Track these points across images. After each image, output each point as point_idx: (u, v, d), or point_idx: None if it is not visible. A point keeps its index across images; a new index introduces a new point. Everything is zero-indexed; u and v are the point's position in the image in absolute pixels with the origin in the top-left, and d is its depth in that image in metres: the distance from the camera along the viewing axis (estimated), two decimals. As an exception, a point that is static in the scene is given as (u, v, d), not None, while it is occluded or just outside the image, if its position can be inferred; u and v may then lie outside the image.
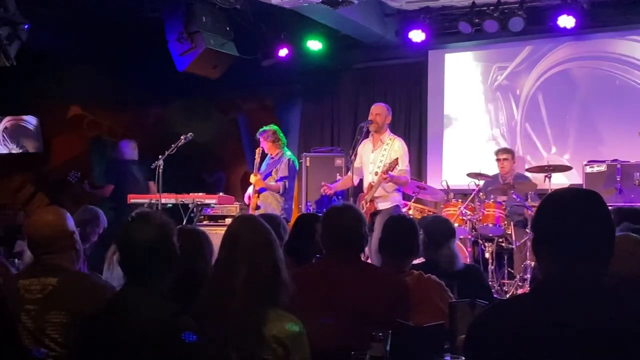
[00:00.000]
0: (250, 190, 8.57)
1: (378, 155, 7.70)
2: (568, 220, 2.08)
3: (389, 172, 7.35)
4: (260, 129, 8.64)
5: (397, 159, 7.39)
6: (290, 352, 2.75)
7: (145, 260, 2.87)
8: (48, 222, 3.41)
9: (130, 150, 10.17)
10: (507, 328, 2.00)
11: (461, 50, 10.61)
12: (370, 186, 7.62)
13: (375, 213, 7.55)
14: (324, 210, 4.41)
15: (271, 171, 8.51)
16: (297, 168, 8.92)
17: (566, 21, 9.13)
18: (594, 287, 2.03)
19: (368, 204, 7.58)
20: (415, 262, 4.63)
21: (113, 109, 12.59)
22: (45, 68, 10.92)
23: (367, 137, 7.88)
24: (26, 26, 6.97)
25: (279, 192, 8.39)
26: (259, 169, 8.52)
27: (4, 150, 12.48)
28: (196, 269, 3.74)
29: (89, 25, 9.70)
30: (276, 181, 8.42)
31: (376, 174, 7.57)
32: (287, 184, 8.45)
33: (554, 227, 2.09)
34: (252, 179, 8.43)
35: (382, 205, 7.60)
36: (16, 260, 6.11)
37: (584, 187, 8.38)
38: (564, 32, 9.37)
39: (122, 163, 10.08)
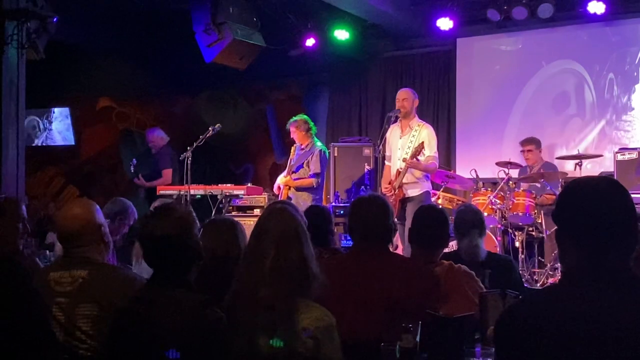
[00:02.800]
0: (280, 180, 8.56)
1: (406, 142, 7.59)
2: (590, 210, 2.04)
3: (416, 157, 7.29)
4: (291, 119, 8.62)
5: (422, 142, 7.31)
6: (320, 344, 2.74)
7: (168, 254, 2.88)
8: (76, 215, 3.41)
9: (163, 134, 10.14)
10: (537, 320, 1.98)
11: (490, 38, 10.51)
12: (398, 172, 7.55)
13: (405, 200, 7.50)
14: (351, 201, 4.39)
15: (303, 163, 8.48)
16: (328, 158, 8.91)
17: (596, 7, 9.02)
18: (621, 278, 2.00)
19: (396, 190, 7.51)
20: (447, 250, 4.62)
21: (141, 100, 12.68)
22: (74, 61, 11.02)
23: (396, 122, 7.81)
24: (55, 19, 7.01)
25: (312, 187, 8.38)
26: (291, 165, 8.49)
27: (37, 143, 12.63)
28: (230, 259, 3.76)
29: (117, 18, 9.75)
30: (309, 176, 8.40)
31: (404, 160, 7.46)
32: (319, 180, 8.45)
33: (576, 217, 2.06)
34: (282, 180, 8.39)
35: (412, 192, 7.50)
36: (47, 252, 6.17)
37: (615, 175, 8.29)
38: (594, 18, 9.26)
39: (166, 148, 9.96)
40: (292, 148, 8.66)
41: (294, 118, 8.62)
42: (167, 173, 9.60)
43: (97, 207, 3.55)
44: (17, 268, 2.59)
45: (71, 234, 3.38)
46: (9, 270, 2.49)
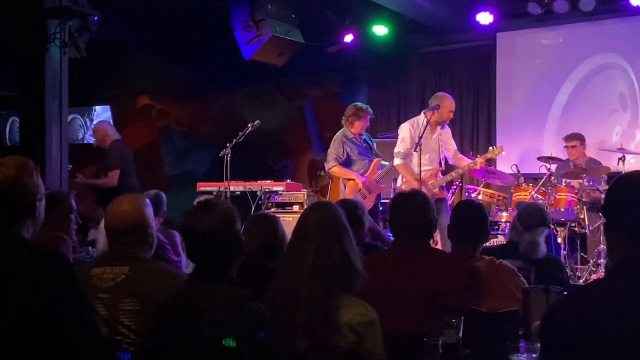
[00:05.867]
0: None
1: (437, 142, 7.72)
2: (639, 202, 2.01)
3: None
4: (366, 107, 8.14)
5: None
6: (362, 339, 2.72)
7: (210, 248, 2.89)
8: (125, 212, 3.40)
9: (112, 130, 9.15)
10: (585, 314, 1.95)
11: (530, 32, 10.39)
12: (436, 171, 7.66)
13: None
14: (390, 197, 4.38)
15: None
16: None
17: (639, -1, 8.89)
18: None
19: (437, 189, 7.54)
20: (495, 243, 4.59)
21: (180, 98, 12.77)
22: (114, 59, 11.13)
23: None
24: (96, 17, 7.09)
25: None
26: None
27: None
28: (271, 255, 3.77)
29: (156, 16, 9.84)
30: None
31: (481, 160, 7.67)
32: None
33: (626, 210, 2.03)
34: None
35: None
36: (90, 248, 6.25)
37: (659, 169, 8.17)
38: (637, 10, 9.12)
39: (116, 146, 8.91)
40: (343, 140, 8.12)
41: (365, 105, 8.19)
42: (113, 175, 8.53)
43: (148, 204, 3.51)
44: (66, 260, 2.62)
45: (117, 231, 3.38)
46: (59, 262, 2.52)
